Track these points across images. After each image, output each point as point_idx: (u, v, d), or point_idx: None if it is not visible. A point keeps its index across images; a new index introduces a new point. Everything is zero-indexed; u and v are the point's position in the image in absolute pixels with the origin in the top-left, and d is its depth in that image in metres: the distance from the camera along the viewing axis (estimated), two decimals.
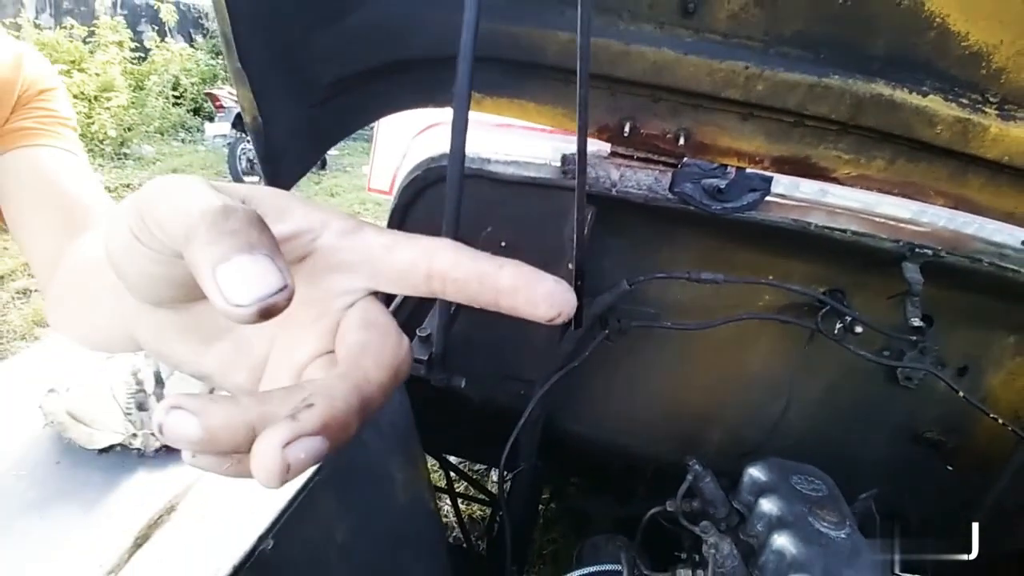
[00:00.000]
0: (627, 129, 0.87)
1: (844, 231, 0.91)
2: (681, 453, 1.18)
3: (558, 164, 0.96)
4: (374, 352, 0.24)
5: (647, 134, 0.89)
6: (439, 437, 1.39)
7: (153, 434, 0.63)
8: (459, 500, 1.71)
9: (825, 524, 0.79)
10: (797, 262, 1.01)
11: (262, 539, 0.59)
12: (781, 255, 1.00)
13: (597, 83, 0.86)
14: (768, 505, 0.86)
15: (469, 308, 0.96)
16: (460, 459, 1.73)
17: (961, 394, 0.98)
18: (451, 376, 0.92)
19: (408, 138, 1.23)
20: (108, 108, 6.65)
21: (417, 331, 0.95)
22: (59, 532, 0.56)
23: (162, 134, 7.79)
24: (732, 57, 0.78)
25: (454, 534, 1.95)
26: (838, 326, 0.98)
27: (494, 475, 2.00)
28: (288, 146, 0.75)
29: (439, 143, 1.04)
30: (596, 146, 0.98)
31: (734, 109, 0.84)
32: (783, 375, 1.09)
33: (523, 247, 1.04)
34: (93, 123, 6.44)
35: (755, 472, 0.91)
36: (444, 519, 2.13)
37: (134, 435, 0.62)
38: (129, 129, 7.09)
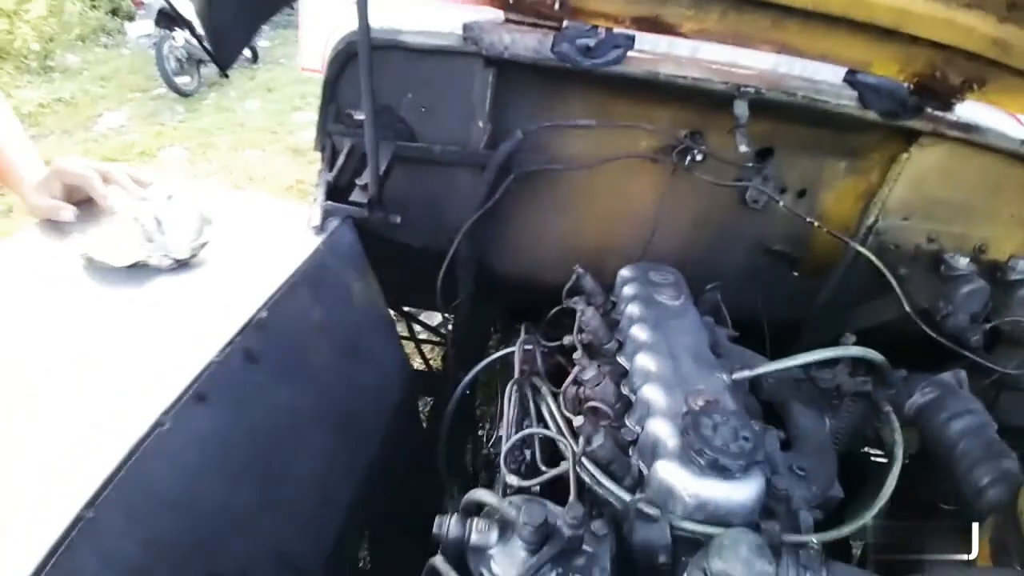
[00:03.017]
0: None
1: (685, 77, 1.14)
2: None
3: (460, 32, 1.15)
4: None
5: (530, 1, 1.08)
6: (392, 291, 1.65)
7: (165, 255, 0.87)
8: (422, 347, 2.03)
9: (664, 297, 1.09)
10: (661, 109, 1.25)
11: (259, 310, 0.85)
12: (648, 104, 1.24)
13: None
14: (628, 290, 1.15)
15: (401, 162, 1.23)
16: (414, 308, 2.02)
17: (785, 208, 1.27)
18: (388, 215, 1.16)
19: (335, 9, 1.32)
20: (28, 21, 6.25)
21: (356, 181, 1.17)
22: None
23: (83, 41, 7.33)
24: None
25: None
26: (690, 160, 1.25)
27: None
28: (233, 17, 0.92)
29: None
30: (493, 14, 1.17)
31: None
32: (652, 207, 1.36)
33: (440, 110, 1.25)
34: (15, 39, 6.09)
35: (624, 272, 1.21)
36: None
37: (150, 256, 0.87)
38: (51, 40, 6.67)
